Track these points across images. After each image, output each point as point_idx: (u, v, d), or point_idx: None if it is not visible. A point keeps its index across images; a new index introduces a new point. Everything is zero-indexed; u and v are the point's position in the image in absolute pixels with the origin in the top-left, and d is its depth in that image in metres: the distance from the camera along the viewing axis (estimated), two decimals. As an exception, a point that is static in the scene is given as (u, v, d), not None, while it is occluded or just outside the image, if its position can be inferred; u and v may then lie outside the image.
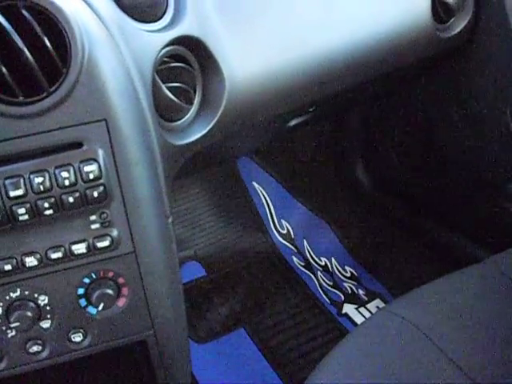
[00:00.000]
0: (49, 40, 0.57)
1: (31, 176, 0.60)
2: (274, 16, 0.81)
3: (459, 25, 1.02)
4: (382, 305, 1.48)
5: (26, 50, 0.56)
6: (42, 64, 0.57)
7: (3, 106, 0.57)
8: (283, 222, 1.71)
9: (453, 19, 1.02)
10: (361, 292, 1.53)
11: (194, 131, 0.76)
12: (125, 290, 0.71)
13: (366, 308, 1.48)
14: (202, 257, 1.62)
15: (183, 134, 0.75)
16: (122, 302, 0.72)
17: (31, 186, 0.60)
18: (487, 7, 1.03)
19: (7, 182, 0.60)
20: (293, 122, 1.13)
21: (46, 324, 0.71)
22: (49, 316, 0.70)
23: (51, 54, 0.57)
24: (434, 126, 1.27)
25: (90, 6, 0.63)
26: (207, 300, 1.51)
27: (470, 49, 1.08)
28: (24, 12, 0.57)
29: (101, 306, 0.70)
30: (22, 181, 0.60)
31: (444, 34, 1.00)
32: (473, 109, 1.13)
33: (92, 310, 0.71)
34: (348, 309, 1.48)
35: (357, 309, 1.48)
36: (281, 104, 0.86)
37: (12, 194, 0.60)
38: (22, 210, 0.61)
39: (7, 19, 0.56)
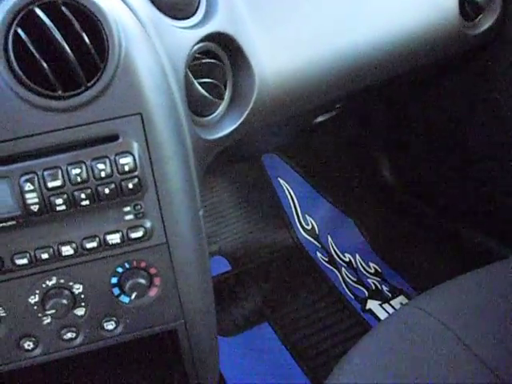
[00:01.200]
0: (87, 36, 0.59)
1: (69, 168, 0.62)
2: (302, 12, 0.82)
3: (487, 22, 1.02)
4: (405, 301, 1.48)
5: (65, 46, 0.58)
6: (81, 59, 0.59)
7: (43, 100, 0.59)
8: (308, 217, 1.72)
9: (480, 16, 1.01)
10: (385, 288, 1.53)
11: (224, 126, 0.77)
12: (157, 280, 0.73)
13: (389, 304, 1.48)
14: (227, 252, 1.63)
15: (214, 128, 0.76)
16: (153, 292, 0.73)
17: (69, 178, 0.62)
18: (515, 5, 1.02)
19: (46, 173, 0.62)
20: (320, 119, 1.14)
21: (80, 312, 0.72)
22: (83, 304, 0.72)
23: (89, 50, 0.59)
24: (460, 125, 1.27)
25: (125, 3, 0.64)
26: (232, 294, 1.52)
27: (498, 46, 1.07)
28: (63, 9, 0.58)
29: (133, 295, 0.71)
30: (59, 172, 0.62)
31: (471, 31, 1.00)
32: (500, 107, 1.13)
33: (125, 298, 0.73)
34: (372, 305, 1.48)
35: (380, 305, 1.48)
36: (309, 100, 0.87)
37: (50, 184, 0.62)
38: (59, 201, 0.63)
39: (47, 16, 0.58)
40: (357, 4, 0.87)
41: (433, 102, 1.33)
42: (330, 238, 1.68)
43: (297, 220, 1.71)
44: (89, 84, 0.60)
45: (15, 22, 0.58)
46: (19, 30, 0.58)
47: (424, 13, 0.93)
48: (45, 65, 0.58)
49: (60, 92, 0.59)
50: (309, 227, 1.70)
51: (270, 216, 1.71)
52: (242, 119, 0.77)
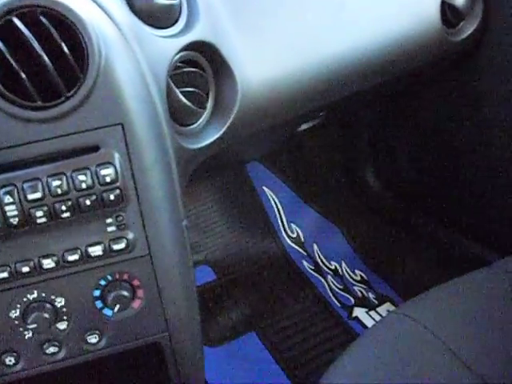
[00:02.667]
0: (66, 45, 0.58)
1: (49, 179, 0.61)
2: (285, 21, 0.82)
3: (468, 28, 1.03)
4: (392, 308, 1.48)
5: (44, 56, 0.58)
6: (60, 69, 0.58)
7: (22, 111, 0.58)
8: (293, 225, 1.72)
9: (462, 23, 1.02)
10: (371, 296, 1.53)
11: (207, 135, 0.77)
12: (140, 292, 0.72)
13: (376, 311, 1.48)
14: (213, 261, 1.63)
15: (196, 138, 0.76)
16: (137, 304, 0.73)
17: (49, 189, 0.61)
18: (496, 11, 1.03)
19: (25, 185, 0.61)
20: (303, 127, 1.14)
21: (62, 325, 0.71)
22: (65, 317, 0.71)
23: (69, 60, 0.58)
24: (444, 130, 1.27)
25: (105, 12, 0.64)
26: (218, 304, 1.51)
27: (480, 52, 1.08)
28: (42, 18, 0.58)
29: (116, 308, 0.71)
30: (39, 184, 0.61)
31: (453, 37, 1.01)
32: (483, 111, 1.14)
33: (108, 311, 0.72)
34: (358, 312, 1.48)
35: (367, 312, 1.48)
36: (292, 108, 0.86)
37: (30, 196, 0.61)
38: (39, 213, 0.62)
39: (26, 25, 0.57)
40: (339, 13, 0.87)
41: (418, 109, 1.34)
42: (315, 246, 1.68)
43: (282, 228, 1.71)
44: (68, 94, 0.59)
45: None
46: None
47: (406, 20, 0.93)
48: (23, 75, 0.57)
49: (39, 102, 0.59)
50: (294, 235, 1.70)
51: (255, 224, 1.71)
52: (224, 128, 0.77)
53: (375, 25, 0.90)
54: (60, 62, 0.58)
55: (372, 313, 1.48)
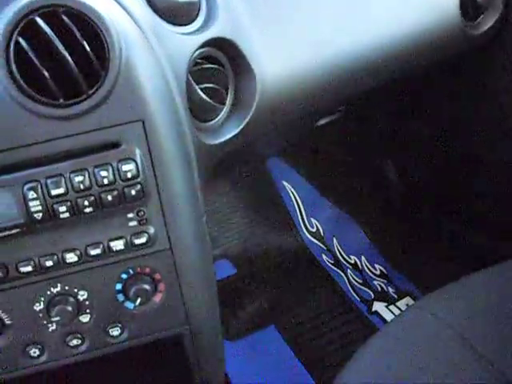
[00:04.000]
0: (88, 44, 0.59)
1: (71, 175, 0.62)
2: (303, 16, 0.82)
3: (488, 22, 1.02)
4: (411, 302, 1.48)
5: (66, 55, 0.58)
6: (81, 67, 0.59)
7: (45, 108, 0.59)
8: (313, 220, 1.72)
9: (482, 16, 1.01)
10: (391, 290, 1.53)
11: (227, 131, 0.77)
12: (161, 286, 0.73)
13: (395, 306, 1.48)
14: (232, 255, 1.63)
15: (216, 133, 0.76)
16: (158, 298, 0.73)
17: (72, 185, 0.62)
18: (517, 4, 1.02)
19: (49, 181, 0.62)
20: (322, 122, 1.14)
21: (85, 318, 0.72)
22: (88, 310, 0.72)
23: (90, 58, 0.59)
24: (463, 126, 1.26)
25: (126, 10, 0.64)
26: (237, 298, 1.52)
27: (499, 46, 1.07)
28: (64, 17, 0.59)
29: (138, 301, 0.71)
30: (62, 180, 0.62)
31: (472, 31, 1.00)
32: (500, 105, 1.13)
33: (129, 304, 0.73)
34: (378, 307, 1.48)
35: (387, 306, 1.48)
36: (311, 103, 0.87)
37: (53, 192, 0.62)
38: (62, 208, 0.63)
39: (48, 24, 0.58)
40: (357, 6, 0.87)
41: (436, 104, 1.33)
42: (335, 240, 1.68)
43: (302, 223, 1.71)
44: (90, 92, 0.60)
45: (16, 32, 0.58)
46: (20, 40, 0.58)
47: (424, 13, 0.93)
48: (46, 73, 0.58)
49: (61, 100, 0.59)
50: (314, 230, 1.70)
51: (275, 219, 1.71)
52: (244, 123, 0.77)
53: (394, 19, 0.90)
54: (82, 60, 0.59)
55: (392, 307, 1.47)
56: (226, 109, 0.77)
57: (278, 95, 0.80)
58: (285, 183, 1.76)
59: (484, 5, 1.00)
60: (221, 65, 0.76)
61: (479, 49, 1.06)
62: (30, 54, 0.58)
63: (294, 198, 1.75)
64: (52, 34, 0.58)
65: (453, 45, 0.98)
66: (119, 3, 0.64)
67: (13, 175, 0.61)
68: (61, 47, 0.58)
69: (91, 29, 0.60)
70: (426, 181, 1.52)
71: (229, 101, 0.78)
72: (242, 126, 0.77)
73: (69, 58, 0.59)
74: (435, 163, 1.44)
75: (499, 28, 1.03)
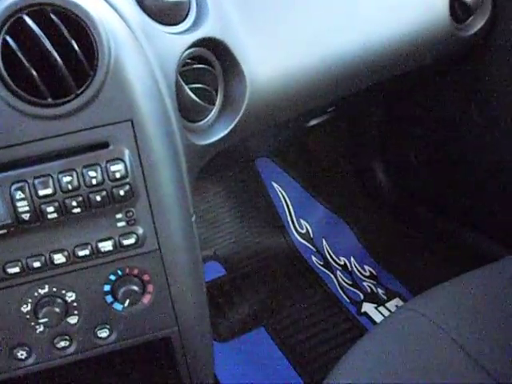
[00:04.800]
0: (76, 43, 0.59)
1: (59, 175, 0.62)
2: (294, 17, 0.82)
3: (477, 24, 1.02)
4: (401, 303, 1.48)
5: (55, 53, 0.58)
6: (70, 66, 0.59)
7: (33, 108, 0.59)
8: (302, 221, 1.72)
9: (471, 18, 1.01)
10: (380, 291, 1.53)
11: (216, 131, 0.77)
12: (150, 287, 0.72)
13: (385, 307, 1.48)
14: (222, 256, 1.63)
15: (206, 134, 0.76)
16: (147, 299, 0.73)
17: (60, 185, 0.62)
18: (505, 5, 1.02)
19: (36, 181, 0.61)
20: (312, 122, 1.14)
21: (73, 320, 0.72)
22: (76, 312, 0.71)
23: (79, 57, 0.59)
24: (453, 126, 1.27)
25: (115, 9, 0.64)
26: (227, 299, 1.51)
27: (489, 47, 1.07)
28: (52, 16, 0.58)
29: (126, 303, 0.71)
30: (50, 180, 0.61)
31: (462, 33, 1.00)
32: (492, 105, 1.13)
33: (118, 306, 0.72)
34: (367, 308, 1.48)
35: (376, 308, 1.48)
36: (301, 104, 0.87)
37: (41, 192, 0.61)
38: (50, 209, 0.62)
39: (36, 23, 0.58)
40: (348, 8, 0.87)
41: (427, 104, 1.33)
42: (324, 242, 1.68)
43: (291, 224, 1.71)
44: (78, 91, 0.59)
45: (4, 30, 0.57)
46: (8, 38, 0.57)
47: (415, 15, 0.93)
48: (34, 72, 0.58)
49: (50, 100, 0.59)
50: (303, 231, 1.70)
51: (265, 220, 1.71)
52: (233, 124, 0.77)
53: (384, 20, 0.90)
54: (70, 60, 0.59)
55: (381, 308, 1.48)
56: (215, 109, 0.77)
57: (268, 96, 0.80)
58: (274, 184, 1.76)
59: (473, 6, 1.00)
60: (211, 65, 0.76)
61: (470, 49, 1.06)
62: (18, 53, 0.58)
63: (284, 199, 1.75)
64: (40, 32, 0.58)
65: (443, 46, 0.99)
66: (108, 2, 0.64)
67: (0, 175, 0.61)
68: (49, 46, 0.58)
69: (80, 28, 0.59)
70: (416, 181, 1.52)
71: (218, 101, 0.77)
72: (231, 127, 0.77)
73: (57, 57, 0.58)
74: (426, 163, 1.44)
75: (489, 30, 1.04)
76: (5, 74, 0.57)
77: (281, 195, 1.75)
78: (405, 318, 0.83)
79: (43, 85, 0.58)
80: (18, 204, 0.61)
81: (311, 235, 1.70)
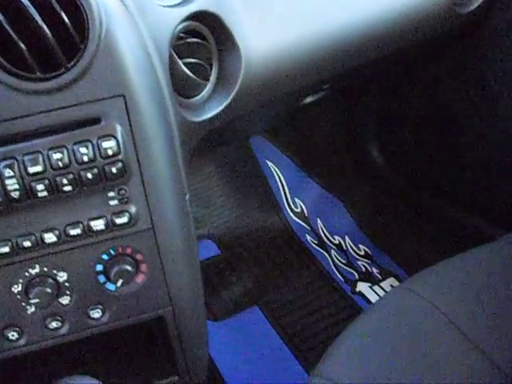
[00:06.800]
0: (66, 15, 0.57)
1: (50, 152, 0.60)
2: (289, -9, 0.81)
3: (476, 0, 1.01)
4: (396, 283, 1.48)
5: (44, 26, 0.56)
6: (60, 39, 0.57)
7: (21, 82, 0.57)
8: (297, 200, 1.71)
9: (470, -6, 1.01)
10: (375, 270, 1.53)
11: (211, 108, 0.76)
12: (143, 267, 0.72)
13: (379, 286, 1.48)
14: (216, 235, 1.63)
15: (200, 110, 0.75)
16: (140, 279, 0.72)
17: (50, 162, 0.60)
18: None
19: (26, 158, 0.60)
20: (307, 100, 1.13)
21: (65, 300, 0.71)
22: (68, 292, 0.70)
23: (69, 30, 0.57)
24: (450, 105, 1.26)
25: None
26: (221, 278, 1.51)
27: (488, 25, 1.07)
28: None
29: (119, 283, 0.70)
30: (40, 157, 0.60)
31: (462, 9, 0.99)
32: (489, 85, 1.13)
33: (111, 286, 0.71)
34: (362, 287, 1.48)
35: (371, 287, 1.48)
36: (296, 80, 0.86)
37: (31, 170, 0.60)
38: (40, 187, 0.61)
39: None
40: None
41: (423, 83, 1.33)
42: (319, 221, 1.68)
43: (286, 203, 1.71)
44: (69, 65, 0.58)
45: None
46: None
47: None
48: (22, 46, 0.56)
49: (39, 74, 0.57)
50: (298, 210, 1.70)
51: (259, 199, 1.71)
52: (228, 101, 0.76)
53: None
54: (60, 33, 0.57)
55: (376, 288, 1.48)
56: (209, 85, 0.76)
57: (264, 71, 0.79)
58: (269, 163, 1.75)
59: (472, -18, 0.99)
60: (205, 39, 0.75)
61: (468, 27, 1.05)
62: (6, 25, 0.56)
63: (278, 177, 1.74)
64: (29, 4, 0.56)
65: (441, 22, 0.98)
66: None
67: None
68: (38, 18, 0.56)
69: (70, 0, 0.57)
70: (412, 161, 1.52)
71: (213, 77, 0.76)
72: (226, 103, 0.76)
73: (46, 30, 0.57)
74: (422, 143, 1.44)
75: (488, 6, 1.03)
76: None
77: (275, 174, 1.75)
78: (400, 298, 0.83)
79: (32, 58, 0.57)
80: (7, 182, 0.60)
81: (306, 214, 1.69)
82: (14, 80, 0.57)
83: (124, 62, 0.60)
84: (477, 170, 1.29)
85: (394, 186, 1.61)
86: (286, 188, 1.73)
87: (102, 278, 0.71)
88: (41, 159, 0.60)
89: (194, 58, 0.73)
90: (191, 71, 0.72)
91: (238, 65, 0.75)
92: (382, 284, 1.49)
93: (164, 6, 0.69)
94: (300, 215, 1.69)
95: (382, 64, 1.14)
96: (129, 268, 0.70)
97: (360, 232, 1.64)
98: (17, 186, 0.60)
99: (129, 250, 0.70)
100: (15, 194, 0.61)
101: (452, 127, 1.29)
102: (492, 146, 1.20)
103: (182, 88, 0.72)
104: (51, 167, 0.61)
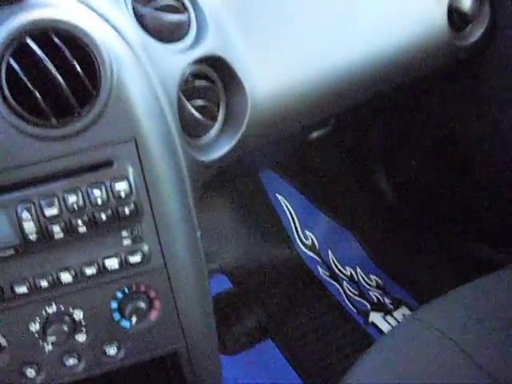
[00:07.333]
0: (79, 64, 0.59)
1: (65, 195, 0.62)
2: (293, 32, 0.83)
3: (476, 32, 1.02)
4: (408, 312, 1.48)
5: (58, 76, 0.59)
6: (73, 87, 0.59)
7: (37, 129, 0.60)
8: (307, 232, 1.71)
9: (469, 27, 1.01)
10: (387, 300, 1.52)
11: (219, 147, 0.77)
12: (157, 304, 0.73)
13: (392, 316, 1.47)
14: (228, 269, 1.63)
15: (208, 150, 0.77)
16: (154, 315, 0.73)
17: (65, 205, 0.62)
18: (503, 13, 1.02)
19: (42, 201, 0.62)
20: (314, 135, 1.14)
21: (81, 338, 0.72)
22: (84, 330, 0.72)
23: (82, 78, 0.60)
24: (454, 133, 1.27)
25: (116, 29, 0.65)
26: (234, 312, 1.51)
27: (488, 55, 1.07)
28: (55, 38, 0.59)
29: (134, 320, 0.71)
30: (56, 200, 0.62)
31: (461, 42, 1.00)
32: (493, 113, 1.13)
33: (125, 323, 0.73)
34: (374, 317, 1.48)
35: (383, 317, 1.48)
36: (302, 118, 0.87)
37: (47, 213, 0.62)
38: (57, 229, 0.63)
39: (38, 45, 0.59)
40: (346, 20, 0.87)
41: (426, 112, 1.33)
42: (330, 252, 1.68)
43: (296, 235, 1.71)
44: (82, 112, 0.60)
45: (8, 53, 0.58)
46: (12, 61, 0.58)
47: (413, 25, 0.93)
48: (38, 95, 0.59)
49: (53, 121, 0.60)
50: (309, 242, 1.70)
51: (270, 232, 1.71)
52: (236, 140, 0.77)
53: (383, 33, 0.90)
54: (73, 80, 0.60)
55: (388, 318, 1.47)
56: (217, 125, 0.78)
57: (270, 110, 0.80)
58: (278, 196, 1.76)
59: (471, 14, 0.99)
60: (212, 81, 0.76)
61: (470, 58, 1.06)
62: (22, 75, 0.58)
63: (288, 210, 1.75)
64: (43, 55, 0.58)
65: (442, 55, 0.99)
66: (109, 23, 0.65)
67: (6, 196, 0.61)
68: (52, 68, 0.59)
69: (82, 49, 0.60)
70: (420, 190, 1.52)
71: (220, 117, 0.78)
72: (234, 142, 0.77)
73: (60, 79, 0.59)
74: (430, 172, 1.44)
75: (488, 37, 1.04)
76: (9, 96, 0.58)
77: (285, 207, 1.75)
78: (411, 328, 0.83)
79: (47, 106, 0.59)
80: (25, 225, 0.62)
81: (317, 246, 1.69)
82: (30, 127, 0.59)
83: (135, 108, 0.63)
84: (486, 197, 1.29)
85: (403, 215, 1.61)
86: (296, 221, 1.73)
87: (116, 316, 0.72)
88: (57, 202, 0.62)
89: (201, 99, 0.74)
90: (199, 112, 0.74)
91: (244, 105, 0.77)
92: (394, 314, 1.48)
93: (172, 52, 0.71)
94: (311, 247, 1.69)
95: (387, 97, 1.15)
96: (143, 305, 0.71)
97: (371, 262, 1.64)
98: (34, 229, 0.62)
99: (142, 288, 0.71)
100: (33, 237, 0.62)
101: (459, 155, 1.29)
102: (500, 173, 1.21)
103: (191, 129, 0.74)
104: (67, 209, 0.62)
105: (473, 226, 1.39)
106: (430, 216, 1.53)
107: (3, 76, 0.58)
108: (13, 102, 0.58)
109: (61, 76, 0.59)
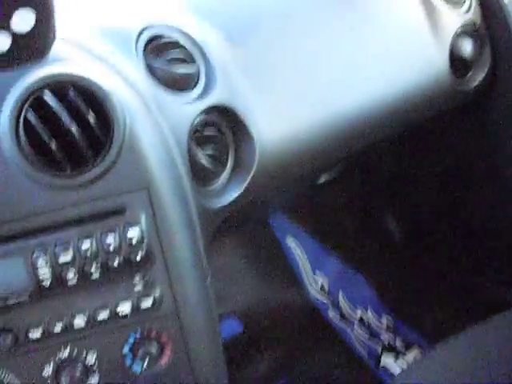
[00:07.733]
0: (92, 115, 0.62)
1: (79, 242, 0.64)
2: (299, 81, 0.85)
3: (478, 77, 1.03)
4: (419, 355, 1.46)
5: (72, 128, 0.61)
6: (87, 138, 0.62)
7: (52, 179, 0.62)
8: (318, 275, 1.71)
9: (471, 72, 1.03)
10: (398, 343, 1.51)
11: (228, 194, 0.79)
12: (168, 349, 0.73)
13: (403, 359, 1.46)
14: (239, 313, 1.63)
15: (218, 197, 0.78)
16: (165, 360, 0.73)
17: (79, 252, 0.63)
18: (504, 59, 1.04)
19: (57, 249, 0.63)
20: (323, 179, 1.15)
21: (93, 382, 0.72)
22: (96, 374, 0.72)
23: (95, 130, 0.62)
24: (461, 174, 1.28)
25: (127, 81, 0.67)
26: (245, 356, 1.50)
27: (490, 101, 1.08)
28: (70, 92, 0.62)
29: (145, 365, 0.72)
30: (70, 247, 0.63)
31: (463, 87, 1.01)
32: (494, 160, 1.14)
33: (136, 368, 0.73)
34: (386, 361, 1.46)
35: (395, 360, 1.46)
36: (310, 162, 0.89)
37: (61, 260, 0.63)
38: (70, 275, 0.64)
39: (54, 97, 0.61)
40: (350, 67, 0.89)
41: (433, 155, 1.35)
42: (340, 295, 1.67)
43: (306, 278, 1.71)
44: (95, 162, 0.62)
45: (25, 107, 0.61)
46: (29, 115, 0.60)
47: (417, 72, 0.95)
48: (53, 146, 0.61)
49: (68, 171, 0.62)
50: (319, 285, 1.70)
51: (280, 276, 1.71)
52: (244, 186, 0.79)
53: (386, 78, 0.92)
54: (87, 131, 0.62)
55: (400, 361, 1.46)
56: (226, 172, 0.79)
57: (278, 156, 0.82)
58: (288, 239, 1.77)
59: (472, 60, 1.01)
60: (220, 130, 0.78)
61: (472, 103, 1.07)
62: (39, 128, 0.61)
63: (298, 253, 1.75)
64: (59, 108, 0.61)
65: (445, 101, 1.00)
66: (121, 75, 0.68)
67: (22, 243, 0.63)
68: (67, 121, 0.61)
69: (95, 101, 0.62)
70: (428, 231, 1.53)
71: (229, 164, 0.80)
72: (242, 189, 0.79)
73: (75, 131, 0.61)
74: (437, 213, 1.44)
75: (489, 82, 1.05)
76: (26, 148, 0.60)
77: (295, 250, 1.75)
78: (423, 371, 0.83)
79: (62, 157, 0.61)
80: (40, 271, 0.63)
81: (327, 289, 1.69)
82: (46, 177, 0.61)
83: (147, 158, 0.65)
84: (496, 236, 1.29)
85: (412, 257, 1.61)
86: (306, 264, 1.73)
87: (128, 361, 0.72)
88: (70, 249, 0.63)
89: (210, 148, 0.76)
90: (208, 160, 0.76)
91: (252, 152, 0.78)
92: (405, 357, 1.47)
93: (181, 102, 0.73)
94: (321, 290, 1.69)
95: (391, 141, 1.16)
96: (154, 350, 0.71)
97: (381, 304, 1.63)
98: (48, 275, 0.63)
99: (153, 333, 0.72)
100: (46, 283, 0.63)
101: (465, 198, 1.30)
102: (503, 218, 1.21)
103: (201, 177, 0.76)
104: (80, 256, 0.64)
105: (484, 267, 1.38)
106: (438, 255, 1.52)
107: (21, 129, 0.60)
108: (30, 154, 0.61)
109: (75, 127, 0.61)
